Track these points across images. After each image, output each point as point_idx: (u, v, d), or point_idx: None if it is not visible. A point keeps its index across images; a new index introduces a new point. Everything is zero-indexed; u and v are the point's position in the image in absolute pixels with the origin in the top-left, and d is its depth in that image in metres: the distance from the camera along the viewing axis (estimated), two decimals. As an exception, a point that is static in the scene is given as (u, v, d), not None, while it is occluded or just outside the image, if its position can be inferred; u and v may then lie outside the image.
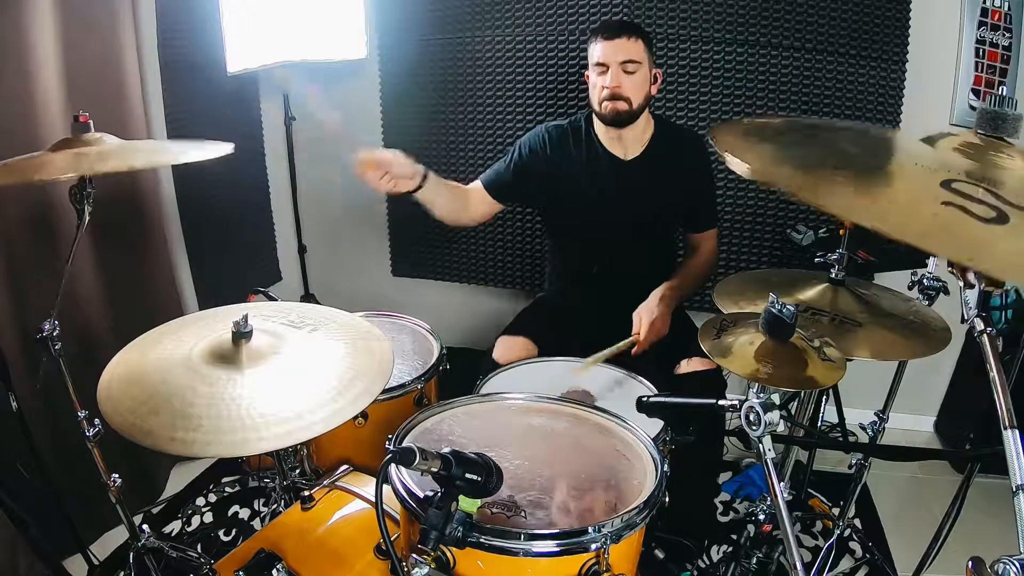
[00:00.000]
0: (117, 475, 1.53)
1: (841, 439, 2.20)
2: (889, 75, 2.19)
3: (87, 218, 1.36)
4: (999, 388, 0.74)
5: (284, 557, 1.11)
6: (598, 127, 1.87)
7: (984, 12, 2.11)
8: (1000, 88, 2.13)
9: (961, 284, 0.78)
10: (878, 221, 0.66)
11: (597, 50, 1.76)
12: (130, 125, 1.98)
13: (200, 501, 2.16)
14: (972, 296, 0.77)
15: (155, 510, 2.11)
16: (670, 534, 1.66)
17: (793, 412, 1.82)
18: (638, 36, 1.75)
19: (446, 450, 0.88)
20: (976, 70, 2.15)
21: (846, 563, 1.91)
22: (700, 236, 1.96)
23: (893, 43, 2.16)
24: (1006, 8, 2.11)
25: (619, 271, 1.92)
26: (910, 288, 1.51)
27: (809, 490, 2.13)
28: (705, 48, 2.24)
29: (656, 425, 1.38)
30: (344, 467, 1.40)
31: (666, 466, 1.12)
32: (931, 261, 1.47)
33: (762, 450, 0.95)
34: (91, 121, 1.36)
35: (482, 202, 1.92)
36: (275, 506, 1.71)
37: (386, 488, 0.89)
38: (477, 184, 1.94)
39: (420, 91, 2.59)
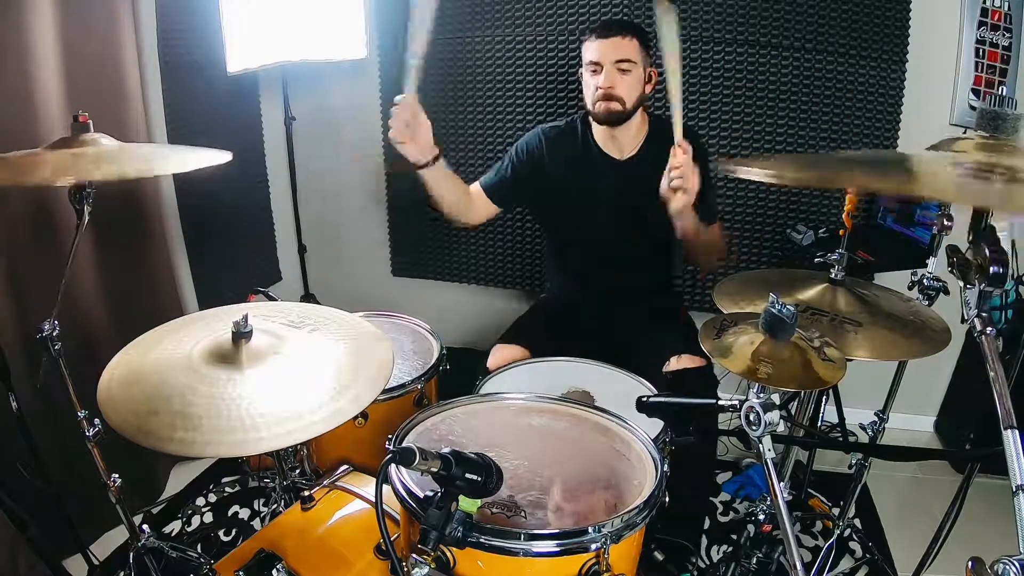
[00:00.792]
0: (117, 475, 1.53)
1: (841, 439, 2.20)
2: (889, 75, 2.19)
3: (87, 218, 1.36)
4: (999, 388, 0.74)
5: (284, 557, 1.11)
6: (594, 127, 1.87)
7: (984, 12, 2.11)
8: (1000, 88, 2.13)
9: (962, 284, 0.78)
10: (901, 188, 0.67)
11: (591, 49, 1.76)
12: (130, 125, 1.98)
13: (200, 501, 2.16)
14: (973, 296, 0.77)
15: (155, 510, 2.11)
16: (666, 534, 1.65)
17: (793, 412, 1.82)
18: (633, 35, 1.74)
19: (446, 450, 0.88)
20: (976, 70, 2.15)
21: (846, 563, 1.91)
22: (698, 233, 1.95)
23: (893, 43, 2.16)
24: (1006, 8, 2.11)
25: (618, 270, 1.92)
26: (910, 288, 1.51)
27: (809, 490, 2.13)
28: (705, 48, 2.24)
29: (656, 425, 1.38)
30: (344, 467, 1.40)
31: (666, 466, 1.12)
32: (931, 261, 1.47)
33: (762, 450, 0.95)
34: (90, 121, 1.36)
35: (481, 205, 1.92)
36: (275, 506, 1.71)
37: (386, 488, 0.89)
38: (475, 187, 1.94)
39: (420, 91, 2.58)
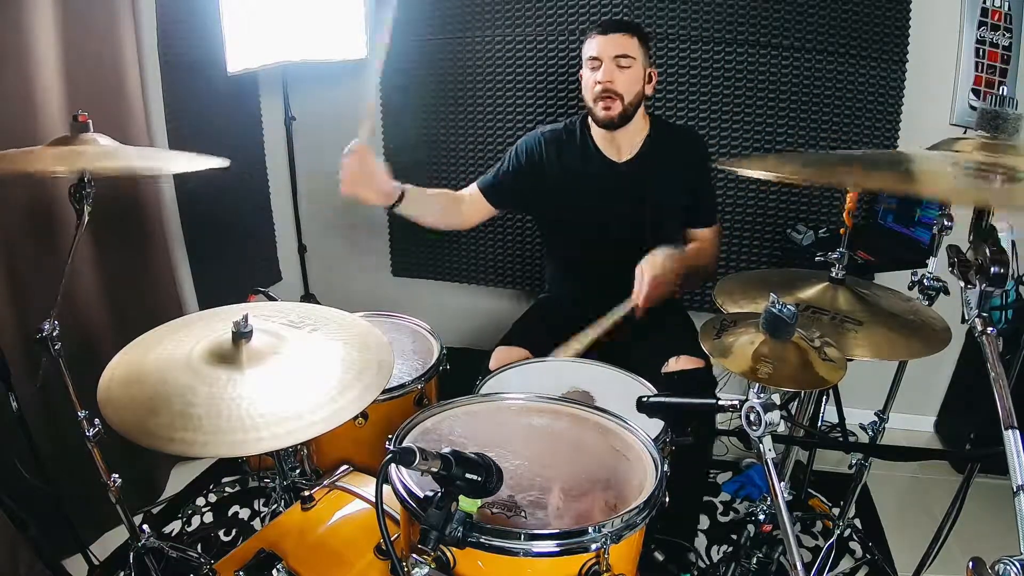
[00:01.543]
0: (117, 475, 1.53)
1: (841, 439, 2.20)
2: (889, 75, 2.19)
3: (87, 218, 1.36)
4: (999, 388, 0.74)
5: (284, 557, 1.11)
6: (593, 129, 1.87)
7: (984, 12, 2.11)
8: (1000, 88, 2.13)
9: (962, 284, 0.78)
10: (901, 187, 0.67)
11: (592, 45, 1.76)
12: (130, 125, 1.98)
13: (200, 501, 2.16)
14: (973, 296, 0.77)
15: (155, 510, 2.11)
16: (666, 534, 1.66)
17: (793, 412, 1.82)
18: (633, 33, 1.75)
19: (446, 450, 0.88)
20: (976, 70, 2.15)
21: (846, 563, 1.91)
22: (697, 233, 1.96)
23: (893, 43, 2.16)
24: (1006, 8, 2.11)
25: (617, 271, 1.92)
26: (910, 288, 1.51)
27: (809, 490, 2.13)
28: (705, 48, 2.24)
29: (656, 425, 1.38)
30: (344, 467, 1.40)
31: (666, 466, 1.12)
32: (931, 261, 1.47)
33: (762, 450, 0.95)
34: (90, 121, 1.37)
35: (478, 206, 1.93)
36: (275, 506, 1.71)
37: (386, 488, 0.89)
38: (473, 188, 1.94)
39: (420, 91, 2.59)
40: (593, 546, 0.94)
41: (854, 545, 1.97)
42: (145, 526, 1.66)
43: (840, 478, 2.20)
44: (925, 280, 1.47)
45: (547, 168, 1.88)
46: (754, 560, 1.59)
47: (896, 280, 1.66)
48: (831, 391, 1.97)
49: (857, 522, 2.08)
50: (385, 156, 2.75)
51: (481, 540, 0.92)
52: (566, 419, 1.28)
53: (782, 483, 1.49)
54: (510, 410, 1.31)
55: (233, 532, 2.03)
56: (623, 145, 1.85)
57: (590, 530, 0.94)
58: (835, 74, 2.20)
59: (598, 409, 1.28)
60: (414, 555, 0.89)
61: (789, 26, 2.18)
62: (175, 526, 2.06)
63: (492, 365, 1.74)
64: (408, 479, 1.01)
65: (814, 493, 2.16)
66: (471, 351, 2.14)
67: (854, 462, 1.72)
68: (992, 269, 0.75)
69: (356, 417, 1.31)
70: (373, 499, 0.87)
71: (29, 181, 1.71)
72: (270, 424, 0.98)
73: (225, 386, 1.04)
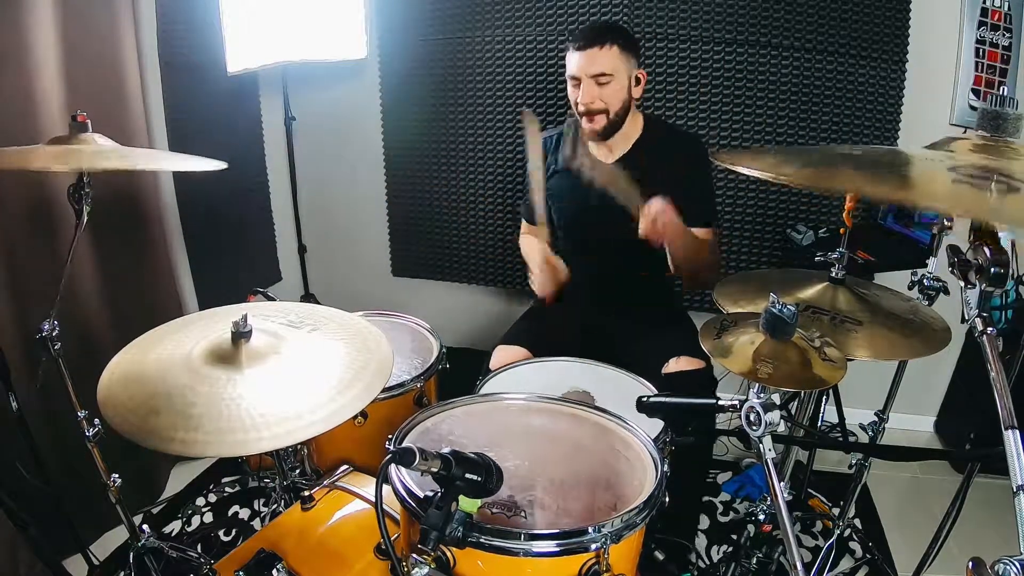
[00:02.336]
0: (117, 475, 1.54)
1: (841, 439, 2.20)
2: (889, 75, 2.19)
3: (86, 218, 1.36)
4: (999, 388, 0.74)
5: (284, 557, 1.11)
6: (585, 131, 1.86)
7: (984, 12, 2.11)
8: (1001, 88, 2.13)
9: (962, 284, 0.78)
10: (894, 195, 0.67)
11: (571, 62, 1.73)
12: (130, 125, 1.98)
13: (200, 501, 2.16)
14: (973, 296, 0.77)
15: (155, 510, 2.11)
16: (666, 533, 1.66)
17: (793, 412, 1.82)
18: (612, 42, 1.69)
19: (446, 450, 0.88)
20: (976, 70, 2.15)
21: (846, 563, 1.91)
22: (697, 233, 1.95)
23: (893, 43, 2.16)
24: (1006, 8, 2.11)
25: (615, 271, 1.92)
26: (910, 288, 1.51)
27: (809, 490, 2.13)
28: (705, 48, 2.24)
29: (656, 425, 1.38)
30: (344, 467, 1.40)
31: (666, 466, 1.12)
32: (931, 261, 1.47)
33: (762, 450, 0.95)
34: (89, 121, 1.37)
35: (536, 233, 1.98)
36: (275, 506, 1.71)
37: (386, 488, 0.88)
38: (524, 225, 2.04)
39: (420, 91, 2.59)
40: (593, 546, 0.94)
41: (854, 545, 1.97)
42: (145, 526, 1.66)
43: (840, 478, 2.20)
44: (925, 280, 1.47)
45: (548, 171, 1.88)
46: (754, 560, 1.59)
47: (896, 280, 1.66)
48: (831, 391, 1.97)
49: (857, 522, 2.08)
50: (385, 156, 2.75)
51: (481, 540, 0.92)
52: (566, 419, 1.28)
53: (782, 483, 1.49)
54: (510, 410, 1.31)
55: (233, 532, 2.03)
56: (614, 145, 1.84)
57: (590, 530, 0.94)
58: (835, 74, 2.20)
59: (598, 409, 1.28)
60: (414, 555, 0.89)
61: (789, 26, 2.18)
62: (175, 526, 2.06)
63: (492, 364, 1.74)
64: (408, 479, 1.01)
65: (814, 493, 2.16)
66: (471, 351, 2.14)
67: (854, 462, 1.72)
68: (992, 269, 0.75)
69: (356, 416, 1.31)
70: (373, 499, 0.87)
71: (28, 181, 1.71)
72: (270, 424, 0.98)
73: (225, 386, 1.04)
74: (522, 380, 1.60)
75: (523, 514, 1.01)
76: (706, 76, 2.26)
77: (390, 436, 1.12)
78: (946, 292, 1.46)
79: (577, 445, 1.22)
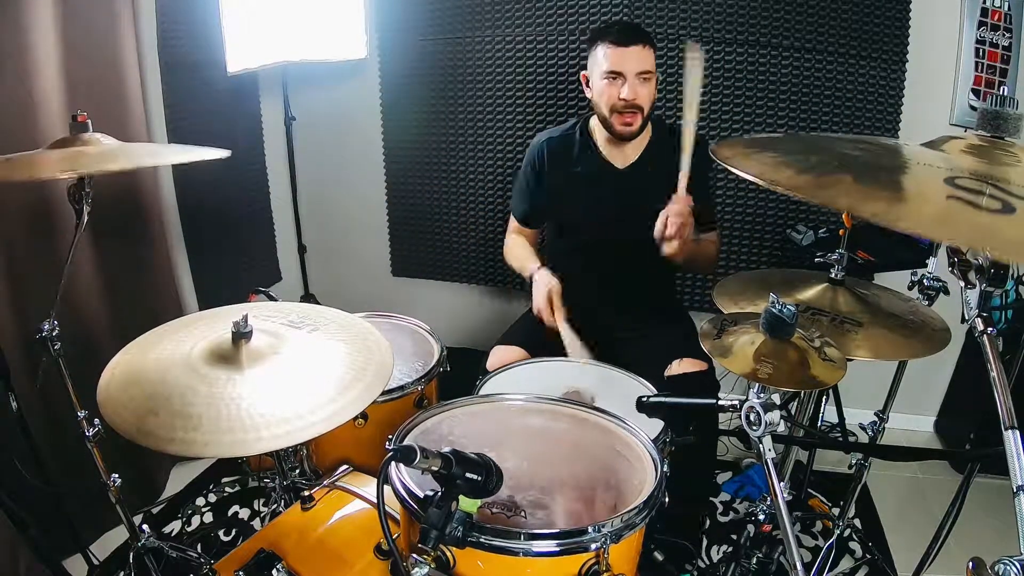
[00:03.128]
0: (117, 475, 1.54)
1: (841, 439, 2.20)
2: (889, 75, 2.19)
3: (86, 218, 1.36)
4: (999, 388, 0.74)
5: (284, 557, 1.11)
6: (597, 134, 1.86)
7: (984, 12, 2.11)
8: (1001, 88, 2.13)
9: (962, 284, 0.78)
10: (886, 215, 0.66)
11: (609, 56, 1.71)
12: (130, 125, 1.98)
13: (200, 501, 2.16)
14: (973, 296, 0.77)
15: (155, 510, 2.11)
16: (666, 534, 1.65)
17: (793, 412, 1.82)
18: (649, 44, 1.72)
19: (446, 450, 0.88)
20: (976, 70, 2.15)
21: (846, 563, 1.91)
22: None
23: (893, 43, 2.16)
24: (1006, 8, 2.11)
25: (619, 274, 1.92)
26: (910, 288, 1.51)
27: (809, 490, 2.13)
28: (705, 48, 2.23)
29: (656, 425, 1.38)
30: (344, 467, 1.40)
31: (666, 466, 1.12)
32: (931, 261, 1.47)
33: (762, 450, 0.95)
34: (89, 121, 1.37)
35: (529, 235, 2.02)
36: (275, 506, 1.71)
37: (386, 488, 0.89)
38: (513, 223, 2.03)
39: (420, 91, 2.59)
40: (593, 546, 0.94)
41: (854, 545, 1.97)
42: (145, 526, 1.66)
43: (840, 478, 2.20)
44: (925, 280, 1.47)
45: (552, 174, 1.88)
46: (754, 560, 1.59)
47: (896, 280, 1.66)
48: (831, 391, 1.97)
49: (857, 522, 2.08)
50: (385, 156, 2.75)
51: (481, 540, 0.92)
52: (566, 419, 1.28)
53: (782, 483, 1.49)
54: (510, 410, 1.31)
55: (233, 532, 2.03)
56: (628, 151, 1.84)
57: (590, 530, 0.94)
58: (835, 74, 2.20)
59: (598, 409, 1.28)
60: (414, 555, 0.89)
61: (789, 26, 2.18)
62: (175, 526, 2.06)
63: (490, 364, 1.74)
64: (408, 479, 1.01)
65: (814, 493, 2.16)
66: (471, 351, 2.14)
67: (854, 462, 1.72)
68: (992, 269, 0.75)
69: (356, 418, 1.31)
70: (373, 499, 0.87)
71: (29, 182, 1.71)
72: (270, 424, 0.98)
73: (225, 386, 1.04)
74: (522, 380, 1.60)
75: (523, 514, 1.01)
76: (706, 76, 2.26)
77: (390, 436, 1.12)
78: (946, 292, 1.46)
79: (577, 445, 1.22)
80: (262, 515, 2.02)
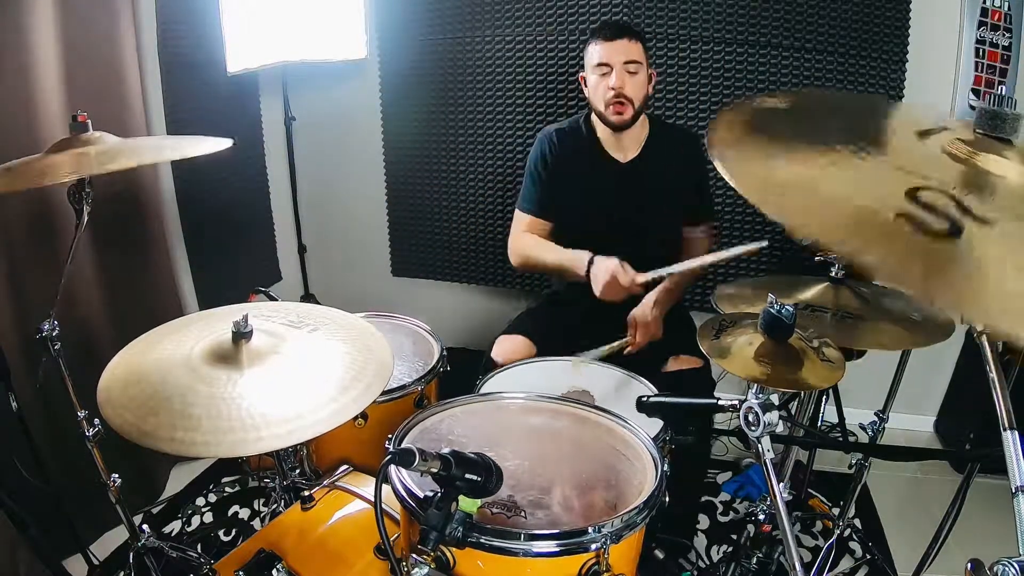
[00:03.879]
0: (117, 475, 1.54)
1: (841, 439, 2.20)
2: (889, 75, 2.19)
3: (86, 218, 1.36)
4: (999, 389, 0.74)
5: (284, 557, 1.11)
6: (598, 129, 1.88)
7: (984, 12, 2.11)
8: (1000, 88, 2.13)
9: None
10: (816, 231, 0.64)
11: (598, 51, 1.77)
12: (130, 125, 1.98)
13: (200, 501, 2.17)
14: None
15: (155, 510, 2.12)
16: (663, 530, 1.66)
17: (793, 412, 1.82)
18: (637, 38, 1.77)
19: (446, 450, 0.88)
20: (976, 70, 2.15)
21: (846, 563, 1.91)
22: (694, 231, 1.96)
23: (893, 43, 2.16)
24: (1006, 8, 2.10)
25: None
26: (910, 288, 1.51)
27: (809, 490, 2.13)
28: (705, 48, 2.24)
29: (656, 425, 1.38)
30: (344, 467, 1.40)
31: (666, 466, 1.12)
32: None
33: (761, 451, 0.95)
34: (89, 121, 1.36)
35: (542, 230, 1.95)
36: (275, 506, 1.71)
37: (386, 488, 0.89)
38: (526, 219, 1.95)
39: (420, 91, 2.59)
40: (593, 546, 0.94)
41: (854, 545, 1.97)
42: (145, 526, 1.66)
43: (840, 478, 2.20)
44: (925, 280, 1.47)
45: (558, 166, 1.89)
46: (754, 560, 1.59)
47: (896, 280, 1.66)
48: (831, 391, 1.97)
49: (857, 522, 2.08)
50: (385, 156, 2.75)
51: (481, 540, 0.92)
52: (566, 419, 1.28)
53: (782, 483, 1.49)
54: (510, 410, 1.31)
55: (233, 532, 2.03)
56: (627, 145, 1.87)
57: (590, 530, 0.94)
58: (835, 74, 2.20)
59: (598, 409, 1.28)
60: (414, 555, 0.89)
61: (789, 26, 2.17)
62: (175, 526, 2.06)
63: (494, 354, 1.76)
64: (408, 479, 1.01)
65: (814, 493, 2.16)
66: (471, 351, 2.14)
67: (854, 462, 1.72)
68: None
69: (356, 418, 1.31)
70: (373, 499, 0.87)
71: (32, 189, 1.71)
72: (270, 424, 0.98)
73: (225, 386, 1.04)
74: (522, 379, 1.60)
75: (523, 514, 1.01)
76: (706, 76, 2.26)
77: (390, 436, 1.12)
78: (946, 292, 1.46)
79: (577, 445, 1.22)
80: (262, 515, 2.03)
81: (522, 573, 0.97)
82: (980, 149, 0.78)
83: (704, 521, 2.09)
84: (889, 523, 2.10)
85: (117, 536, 1.93)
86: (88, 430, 1.46)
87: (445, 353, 1.72)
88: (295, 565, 1.11)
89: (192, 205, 2.34)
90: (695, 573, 1.80)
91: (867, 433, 1.69)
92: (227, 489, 2.22)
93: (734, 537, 2.00)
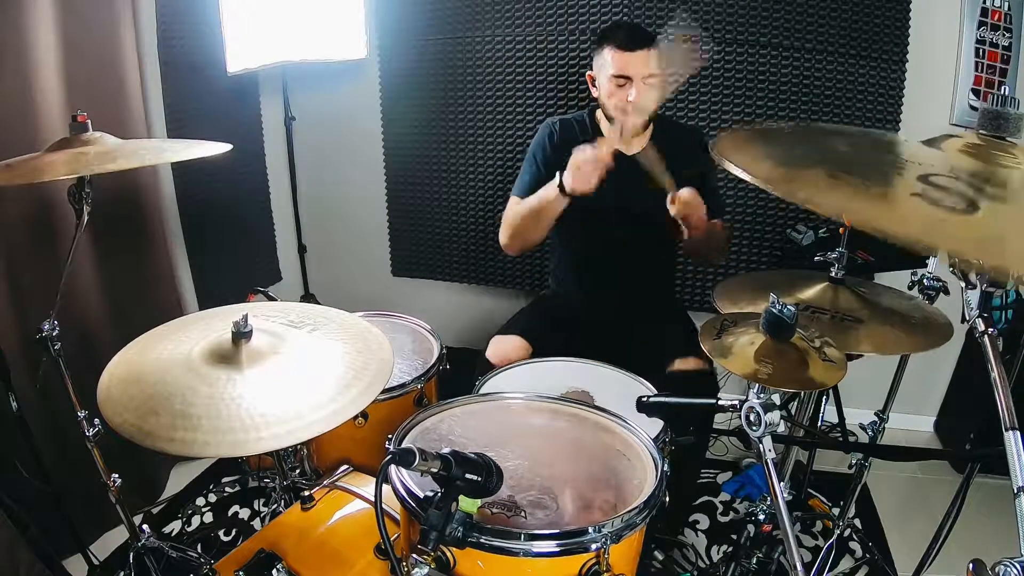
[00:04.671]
0: (117, 475, 1.54)
1: (841, 439, 2.20)
2: (889, 75, 2.19)
3: (86, 218, 1.36)
4: (1000, 388, 0.73)
5: (284, 557, 1.11)
6: (603, 124, 1.87)
7: (984, 12, 2.11)
8: (1001, 88, 2.13)
9: (962, 284, 0.78)
10: (839, 208, 0.66)
11: (616, 60, 1.72)
12: (130, 125, 1.98)
13: (200, 501, 2.16)
14: (974, 297, 0.77)
15: (155, 510, 2.11)
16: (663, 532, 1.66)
17: (793, 412, 1.82)
18: (654, 45, 1.73)
19: (446, 450, 0.88)
20: (976, 70, 2.15)
21: (846, 563, 1.91)
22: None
23: (893, 43, 2.16)
24: (1006, 8, 2.10)
25: (621, 268, 1.92)
26: (910, 288, 1.51)
27: (809, 490, 2.13)
28: (705, 48, 2.23)
29: (656, 425, 1.38)
30: (344, 467, 1.40)
31: (666, 466, 1.12)
32: (931, 261, 1.47)
33: (762, 450, 0.95)
34: (89, 121, 1.36)
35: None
36: (275, 506, 1.71)
37: (386, 488, 0.88)
38: (514, 203, 1.90)
39: (420, 91, 2.59)
40: (593, 546, 0.94)
41: (854, 545, 1.97)
42: (145, 526, 1.66)
43: (840, 478, 2.20)
44: (925, 280, 1.47)
45: (559, 156, 1.87)
46: (754, 560, 1.59)
47: (896, 280, 1.66)
48: (831, 391, 1.97)
49: (857, 522, 2.08)
50: (385, 156, 2.75)
51: (481, 540, 0.92)
52: (566, 419, 1.28)
53: (782, 483, 1.49)
54: (510, 410, 1.31)
55: (233, 532, 2.03)
56: (633, 140, 1.85)
57: (590, 530, 0.94)
58: (835, 74, 2.20)
59: (598, 409, 1.28)
60: (414, 555, 0.89)
61: (789, 26, 2.17)
62: (175, 526, 2.06)
63: (489, 354, 1.74)
64: (408, 479, 1.01)
65: (814, 493, 2.16)
66: (471, 351, 2.13)
67: (854, 462, 1.72)
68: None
69: (356, 417, 1.31)
70: (373, 499, 0.87)
71: (30, 185, 1.71)
72: (270, 424, 0.98)
73: (225, 386, 1.04)
74: (521, 379, 1.60)
75: (523, 514, 1.01)
76: (706, 76, 2.26)
77: (390, 436, 1.12)
78: (946, 292, 1.46)
79: (577, 445, 1.22)
80: (262, 515, 2.03)
81: (522, 573, 0.97)
82: (988, 151, 0.78)
83: (704, 521, 2.09)
84: (889, 523, 2.10)
85: (117, 536, 1.93)
86: (88, 430, 1.46)
87: (445, 351, 1.72)
88: (295, 565, 1.11)
89: (192, 205, 2.34)
90: (695, 573, 1.80)
91: (867, 433, 1.68)
92: (227, 489, 2.22)
93: (734, 537, 2.00)
